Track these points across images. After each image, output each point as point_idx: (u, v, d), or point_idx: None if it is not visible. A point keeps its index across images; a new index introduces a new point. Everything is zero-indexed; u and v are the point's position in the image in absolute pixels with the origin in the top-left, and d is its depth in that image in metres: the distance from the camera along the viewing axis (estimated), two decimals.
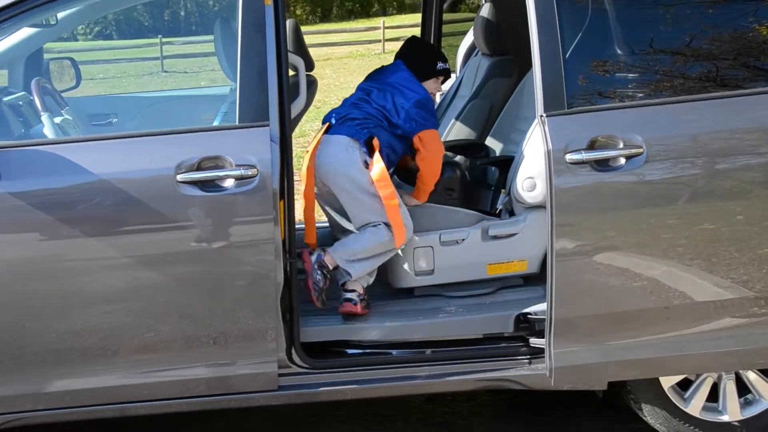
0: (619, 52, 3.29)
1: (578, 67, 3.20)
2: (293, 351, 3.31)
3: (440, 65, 3.84)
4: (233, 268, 3.15)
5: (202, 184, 3.07)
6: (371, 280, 3.65)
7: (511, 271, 3.61)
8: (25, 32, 3.93)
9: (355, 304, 3.50)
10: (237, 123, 3.14)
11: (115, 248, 3.07)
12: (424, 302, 3.64)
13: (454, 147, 4.16)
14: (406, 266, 3.60)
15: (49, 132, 3.42)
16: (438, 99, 3.88)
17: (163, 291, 3.14)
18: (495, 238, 3.59)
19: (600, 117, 3.16)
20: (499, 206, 3.68)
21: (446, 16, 5.51)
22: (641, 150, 3.09)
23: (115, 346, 3.17)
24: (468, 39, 5.30)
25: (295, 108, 3.49)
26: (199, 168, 3.07)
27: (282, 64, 3.21)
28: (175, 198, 3.05)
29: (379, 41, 25.22)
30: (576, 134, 3.11)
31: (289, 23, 5.03)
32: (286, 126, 3.21)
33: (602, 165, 3.10)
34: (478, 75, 4.67)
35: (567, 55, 3.16)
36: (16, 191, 3.00)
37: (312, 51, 4.19)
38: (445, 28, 5.67)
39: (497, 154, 4.11)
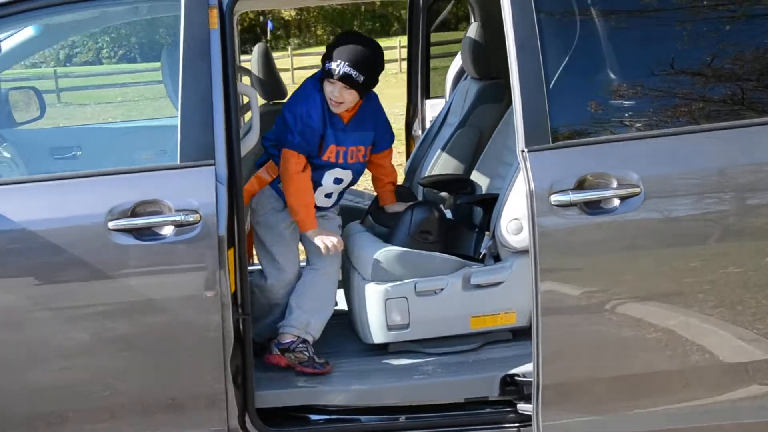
0: (611, 77, 2.96)
1: (564, 95, 2.86)
2: (246, 418, 2.97)
3: (327, 64, 3.33)
4: (175, 326, 2.84)
5: (137, 232, 2.75)
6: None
7: (498, 324, 3.24)
8: None
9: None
10: (178, 162, 2.84)
11: (42, 304, 2.76)
12: (399, 360, 3.27)
13: (436, 183, 3.84)
14: (377, 320, 3.25)
15: None
16: (336, 108, 3.32)
17: (103, 351, 2.83)
18: (478, 287, 3.23)
19: (589, 152, 2.82)
20: (483, 250, 3.33)
21: (434, 37, 5.22)
22: (638, 189, 2.75)
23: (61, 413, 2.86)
24: (457, 62, 4.99)
25: (247, 144, 3.17)
26: (133, 214, 2.75)
27: (230, 95, 2.89)
28: (106, 247, 2.73)
29: (396, 60, 24.92)
30: (562, 172, 2.77)
31: (258, 48, 4.71)
32: (236, 165, 2.87)
33: (593, 207, 2.76)
34: (466, 101, 4.33)
35: (551, 82, 2.84)
36: None
37: None
38: (435, 50, 5.38)
39: (483, 190, 3.77)
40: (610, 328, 2.84)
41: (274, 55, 4.83)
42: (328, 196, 3.47)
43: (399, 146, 9.57)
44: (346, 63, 3.23)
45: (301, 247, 3.49)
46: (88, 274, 2.75)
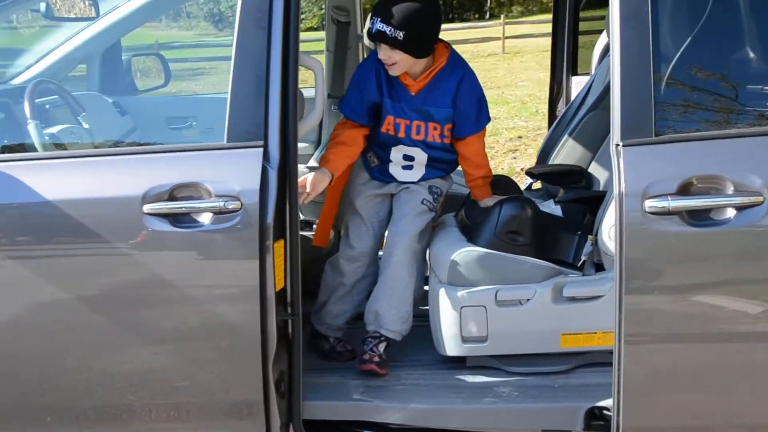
0: (739, 59, 2.46)
1: (676, 79, 2.40)
2: (291, 430, 2.72)
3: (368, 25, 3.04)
4: (210, 324, 2.59)
5: (174, 218, 2.52)
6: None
7: (593, 345, 2.79)
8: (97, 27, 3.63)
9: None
10: (225, 142, 2.59)
11: (68, 289, 2.57)
12: (474, 377, 2.89)
13: (545, 174, 3.41)
14: (451, 329, 2.88)
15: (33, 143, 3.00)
16: (392, 71, 2.98)
17: (131, 347, 2.62)
18: (572, 299, 2.79)
19: (700, 149, 2.36)
20: (583, 257, 2.88)
21: (583, 14, 4.74)
22: (761, 198, 2.26)
23: (74, 411, 2.68)
24: (603, 37, 4.48)
25: (306, 124, 2.84)
26: (170, 197, 2.52)
27: (290, 68, 2.60)
28: (139, 232, 2.51)
29: (499, 39, 23.86)
30: (662, 172, 2.32)
31: None
32: (290, 147, 2.59)
33: (700, 217, 2.30)
34: (606, 79, 3.86)
35: (661, 61, 2.37)
36: None
37: None
38: (584, 26, 4.89)
39: (601, 185, 3.30)
40: (713, 366, 2.37)
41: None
42: (407, 168, 3.13)
43: (543, 128, 9.02)
44: (378, 19, 2.90)
45: None
46: (119, 261, 2.54)
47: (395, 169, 3.14)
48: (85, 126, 3.21)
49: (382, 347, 2.98)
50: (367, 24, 2.95)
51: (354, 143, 3.07)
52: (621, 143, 2.35)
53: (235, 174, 2.53)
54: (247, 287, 2.53)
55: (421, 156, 3.09)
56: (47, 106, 3.22)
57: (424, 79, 3.01)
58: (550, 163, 3.78)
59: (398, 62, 2.93)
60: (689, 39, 2.44)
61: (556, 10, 4.75)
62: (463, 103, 3.03)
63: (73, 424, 2.69)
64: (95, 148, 3.09)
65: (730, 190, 2.30)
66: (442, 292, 2.89)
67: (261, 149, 2.54)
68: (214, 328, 2.60)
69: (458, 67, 3.05)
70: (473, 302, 2.84)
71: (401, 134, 3.05)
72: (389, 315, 3.01)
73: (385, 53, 2.92)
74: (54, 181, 2.59)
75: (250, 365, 2.59)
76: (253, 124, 2.56)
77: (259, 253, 2.52)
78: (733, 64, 2.51)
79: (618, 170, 2.34)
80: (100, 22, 3.68)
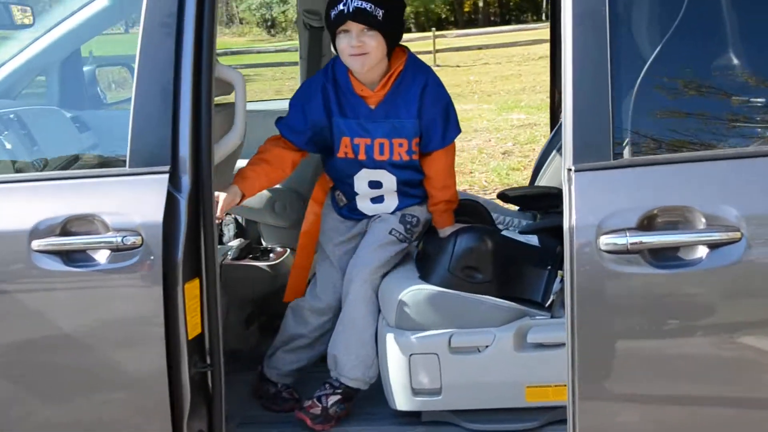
0: (717, 67, 2.09)
1: (640, 90, 2.03)
2: None
3: (332, 10, 2.65)
4: (113, 380, 2.27)
5: (66, 255, 2.21)
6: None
7: (563, 399, 2.45)
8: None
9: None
10: (126, 166, 2.29)
11: None
12: None
13: (519, 198, 3.04)
14: (401, 380, 2.52)
15: None
16: (361, 65, 2.64)
17: (24, 404, 2.32)
18: (539, 346, 2.43)
19: (665, 175, 1.98)
20: (553, 296, 2.51)
21: None
22: (738, 234, 1.89)
23: None
24: None
25: (225, 146, 2.49)
26: (63, 232, 2.22)
27: (202, 81, 2.29)
28: (28, 272, 2.20)
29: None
30: (620, 202, 1.96)
31: None
32: (203, 172, 2.26)
33: (664, 257, 1.94)
34: None
35: (621, 68, 2.01)
36: None
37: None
38: None
39: None
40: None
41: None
42: (376, 200, 2.79)
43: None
44: None
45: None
46: (8, 304, 2.25)
47: (363, 204, 2.81)
48: (8, 146, 2.94)
49: (331, 400, 2.64)
50: (340, 5, 2.60)
51: (280, 166, 2.73)
52: (573, 167, 1.99)
53: (136, 204, 2.21)
54: (150, 336, 2.21)
55: (388, 180, 2.74)
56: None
57: (382, 87, 2.67)
58: (537, 182, 3.41)
59: (371, 51, 2.59)
60: (659, 42, 2.07)
61: (554, 13, 4.37)
62: (428, 113, 2.68)
63: None
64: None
65: (701, 224, 1.92)
66: (389, 337, 2.53)
67: (166, 175, 2.22)
68: (118, 383, 2.28)
69: (420, 72, 2.71)
70: (424, 349, 2.47)
71: (361, 156, 2.71)
72: (347, 361, 2.67)
73: (359, 38, 2.58)
74: None
75: (161, 424, 2.28)
76: (158, 146, 2.24)
77: (164, 295, 2.21)
78: (709, 74, 2.13)
79: (569, 200, 1.97)
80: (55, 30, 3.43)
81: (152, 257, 2.18)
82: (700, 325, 1.97)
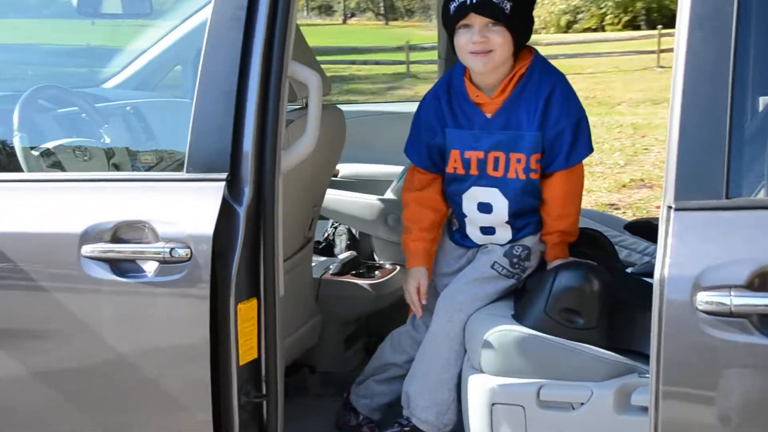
0: None
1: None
2: None
3: (452, 4, 2.37)
4: (157, 403, 2.11)
5: (115, 264, 2.08)
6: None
7: None
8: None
9: None
10: (184, 171, 2.11)
11: None
12: None
13: (643, 227, 2.65)
14: (482, 429, 2.22)
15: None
16: (483, 63, 2.35)
17: (67, 415, 2.19)
18: (645, 410, 2.07)
19: None
20: None
21: None
22: None
23: None
24: None
25: (294, 154, 2.24)
26: (113, 238, 2.08)
27: (271, 81, 2.08)
28: (76, 279, 2.07)
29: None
30: (728, 252, 1.60)
31: None
32: (266, 181, 2.05)
33: None
34: None
35: (744, 84, 1.64)
36: None
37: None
38: None
39: None
40: None
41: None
42: (486, 231, 2.49)
43: None
44: None
45: None
46: (55, 313, 2.10)
47: (473, 230, 2.53)
48: (101, 140, 2.86)
49: None
50: (454, 1, 2.35)
51: (432, 201, 2.55)
52: (674, 205, 1.64)
53: (188, 213, 2.04)
54: (194, 358, 2.03)
55: (500, 205, 2.43)
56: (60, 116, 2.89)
57: (501, 92, 2.37)
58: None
59: (496, 48, 2.31)
60: None
61: None
62: (553, 126, 2.36)
63: None
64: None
65: None
66: (471, 380, 2.23)
67: (223, 183, 2.03)
68: (161, 406, 2.12)
69: (548, 77, 2.39)
70: (508, 399, 2.15)
71: (473, 171, 2.42)
72: (420, 401, 2.41)
73: (482, 33, 2.30)
74: None
75: None
76: (217, 151, 2.06)
77: (213, 315, 2.03)
78: None
79: (664, 244, 1.63)
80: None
81: (201, 272, 2.01)
82: None
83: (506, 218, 2.44)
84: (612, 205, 7.42)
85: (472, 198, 2.45)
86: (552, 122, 2.36)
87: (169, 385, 2.09)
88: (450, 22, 2.38)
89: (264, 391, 2.14)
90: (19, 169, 2.54)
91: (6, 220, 2.15)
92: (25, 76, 3.49)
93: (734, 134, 1.63)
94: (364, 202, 3.17)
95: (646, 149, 10.11)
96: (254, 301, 2.10)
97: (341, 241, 3.39)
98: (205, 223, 2.00)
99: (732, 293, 1.57)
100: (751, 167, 1.67)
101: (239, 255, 2.03)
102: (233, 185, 2.04)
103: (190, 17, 3.37)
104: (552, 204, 2.43)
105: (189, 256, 2.00)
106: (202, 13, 3.09)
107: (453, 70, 2.50)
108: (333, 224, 3.46)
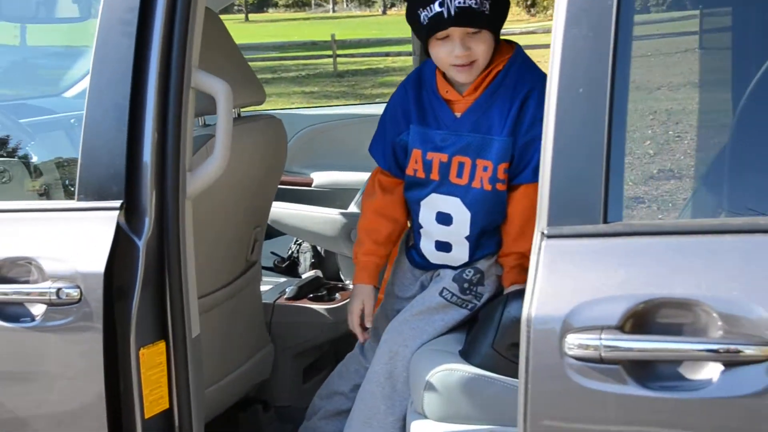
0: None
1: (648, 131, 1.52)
2: None
3: (424, 12, 2.11)
4: None
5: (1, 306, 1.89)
6: None
7: None
8: None
9: None
10: (75, 198, 1.90)
11: None
12: None
13: None
14: None
15: None
16: (466, 73, 2.14)
17: None
18: None
19: (674, 248, 1.43)
20: None
21: None
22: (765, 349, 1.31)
23: None
24: None
25: (202, 176, 1.96)
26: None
27: (171, 92, 1.85)
28: None
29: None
30: (602, 288, 1.41)
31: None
32: (168, 209, 1.85)
33: (653, 377, 1.39)
34: None
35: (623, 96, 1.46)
36: None
37: None
38: None
39: None
40: None
41: None
42: (441, 247, 2.26)
43: None
44: None
45: None
46: None
47: (427, 245, 2.29)
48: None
49: None
50: (436, 5, 2.08)
51: (390, 210, 2.35)
52: (546, 231, 1.45)
53: (78, 248, 1.84)
54: (87, 416, 1.84)
55: (460, 219, 2.19)
56: None
57: (474, 90, 2.14)
58: None
59: (480, 57, 2.09)
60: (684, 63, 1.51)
61: None
62: (525, 133, 2.12)
63: None
64: None
65: (717, 329, 1.34)
66: (414, 426, 2.01)
67: (116, 212, 1.83)
68: None
69: (527, 75, 2.16)
70: None
71: (434, 176, 2.19)
72: None
73: (465, 44, 2.07)
74: None
75: None
76: (109, 175, 1.85)
77: (112, 363, 1.82)
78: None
79: (533, 276, 1.44)
80: None
81: (92, 315, 1.80)
82: None
83: (467, 232, 2.20)
84: (637, 198, 7.22)
85: (431, 206, 2.22)
86: (524, 128, 2.12)
87: None
88: (423, 33, 2.15)
89: None
90: None
91: None
92: None
93: (613, 151, 1.43)
94: (326, 217, 2.95)
95: (679, 137, 9.87)
96: (162, 345, 1.90)
97: (305, 259, 3.19)
98: (97, 259, 1.80)
99: (602, 336, 1.37)
100: (633, 187, 1.49)
101: (139, 293, 1.82)
102: (130, 214, 1.84)
103: None
104: (512, 221, 2.18)
105: (79, 296, 1.80)
106: None
107: (426, 62, 2.27)
108: (296, 241, 3.26)
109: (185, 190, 1.91)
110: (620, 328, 1.38)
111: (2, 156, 2.60)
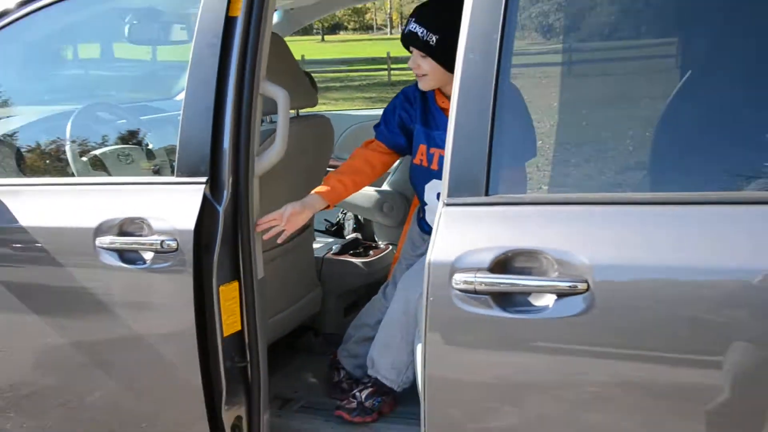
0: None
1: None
2: None
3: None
4: (159, 369, 2.06)
5: (120, 254, 2.02)
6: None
7: None
8: None
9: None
10: (173, 175, 2.04)
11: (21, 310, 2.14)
12: None
13: None
14: None
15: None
16: (422, 84, 2.26)
17: (82, 375, 2.16)
18: None
19: (525, 215, 1.61)
20: None
21: None
22: (584, 285, 1.48)
23: None
24: None
25: (265, 161, 2.10)
26: (120, 231, 2.03)
27: (243, 98, 2.00)
28: (93, 266, 2.04)
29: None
30: (479, 241, 1.59)
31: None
32: (241, 184, 1.99)
33: (511, 303, 1.56)
34: None
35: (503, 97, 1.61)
36: None
37: None
38: None
39: None
40: None
41: None
42: None
43: None
44: (413, 18, 2.17)
45: None
46: (77, 293, 2.08)
47: (430, 216, 2.37)
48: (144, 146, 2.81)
49: (365, 393, 2.31)
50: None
51: (366, 167, 2.32)
52: (446, 201, 1.61)
53: (175, 211, 1.97)
54: (183, 334, 1.97)
55: None
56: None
57: None
58: None
59: (428, 73, 2.18)
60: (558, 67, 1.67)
61: None
62: None
63: None
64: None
65: (553, 270, 1.51)
66: (418, 347, 2.10)
67: (203, 186, 1.96)
68: (161, 373, 2.07)
69: None
70: None
71: (434, 166, 2.29)
72: (382, 362, 2.33)
73: (414, 61, 2.19)
74: (30, 207, 2.18)
75: (197, 412, 2.03)
76: (199, 158, 1.98)
77: (196, 297, 1.96)
78: (602, 113, 1.69)
79: (435, 234, 1.61)
80: None
81: (185, 261, 1.94)
82: (539, 374, 1.59)
83: None
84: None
85: (433, 188, 2.32)
86: None
87: (165, 355, 2.04)
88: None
89: (248, 358, 2.08)
90: (69, 173, 2.53)
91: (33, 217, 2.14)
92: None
93: (495, 143, 1.58)
94: (365, 193, 3.06)
95: (541, 140, 9.72)
96: (235, 284, 2.04)
97: (348, 225, 3.30)
98: (189, 220, 1.94)
99: (477, 275, 1.53)
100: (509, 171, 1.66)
101: (219, 246, 1.96)
102: (213, 187, 1.97)
103: None
104: None
105: (176, 247, 1.95)
106: None
107: None
108: (342, 211, 3.37)
109: (254, 171, 2.04)
110: (490, 269, 1.55)
111: (127, 144, 2.76)
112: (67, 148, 2.57)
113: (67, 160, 2.55)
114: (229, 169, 1.97)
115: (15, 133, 2.65)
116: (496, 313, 1.56)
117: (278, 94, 2.10)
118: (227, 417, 2.05)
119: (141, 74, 3.72)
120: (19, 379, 2.29)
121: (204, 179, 1.95)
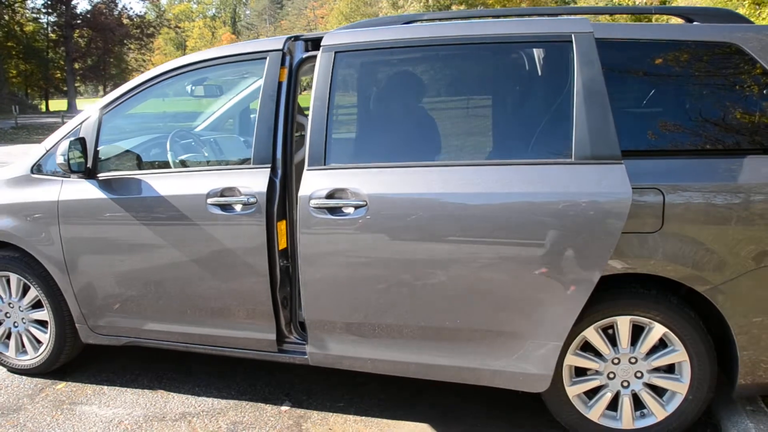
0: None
1: (341, 126, 3.49)
2: (291, 327, 3.74)
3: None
4: (242, 266, 3.62)
5: (222, 207, 3.61)
6: None
7: None
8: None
9: None
10: (251, 164, 3.67)
11: (168, 239, 3.74)
12: None
13: None
14: None
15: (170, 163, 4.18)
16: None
17: (195, 276, 3.74)
18: None
19: (341, 175, 3.35)
20: None
21: None
22: (364, 202, 3.29)
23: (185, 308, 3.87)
24: None
25: (299, 155, 3.94)
26: (221, 195, 3.62)
27: (288, 123, 3.64)
28: (205, 214, 3.65)
29: None
30: (322, 186, 3.36)
31: None
32: (288, 168, 3.64)
33: (334, 211, 3.34)
34: None
35: (333, 103, 3.43)
36: (118, 197, 3.85)
37: None
38: None
39: None
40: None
41: None
42: None
43: None
44: None
45: None
46: (194, 231, 3.66)
47: None
48: (205, 154, 4.48)
49: None
50: None
51: None
52: (306, 168, 3.38)
53: (254, 183, 3.57)
54: (260, 247, 3.58)
55: None
56: (185, 143, 4.51)
57: None
58: None
59: None
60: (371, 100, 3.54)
61: None
62: None
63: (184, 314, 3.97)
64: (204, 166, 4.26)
65: (352, 197, 3.32)
66: None
67: (268, 169, 3.59)
68: (248, 270, 3.61)
69: None
70: None
71: None
72: None
73: None
74: (162, 184, 3.77)
75: (265, 291, 3.64)
76: (266, 154, 3.60)
77: (266, 228, 3.56)
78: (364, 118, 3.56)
79: (302, 182, 3.37)
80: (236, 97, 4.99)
81: (262, 209, 3.53)
82: (349, 243, 3.34)
83: None
84: (336, 154, 8.27)
85: None
86: None
87: (249, 260, 3.58)
88: None
89: (288, 261, 3.74)
90: (169, 167, 4.15)
91: (173, 188, 3.75)
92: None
93: (328, 136, 3.39)
94: None
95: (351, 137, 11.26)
96: (284, 222, 3.67)
97: None
98: (263, 187, 3.56)
99: (321, 200, 3.34)
100: (337, 148, 3.40)
101: (277, 201, 3.56)
102: (273, 170, 3.58)
103: (237, 95, 5.04)
104: None
105: (255, 202, 3.55)
106: (245, 92, 4.84)
107: None
108: None
109: (293, 161, 3.71)
110: (328, 197, 3.32)
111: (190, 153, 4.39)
112: (169, 155, 4.23)
113: (168, 160, 4.21)
114: (281, 160, 3.61)
115: (143, 145, 4.32)
116: (329, 216, 3.30)
117: (303, 121, 3.83)
118: (281, 294, 3.67)
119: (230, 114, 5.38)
120: (154, 281, 3.81)
121: (269, 165, 3.57)
